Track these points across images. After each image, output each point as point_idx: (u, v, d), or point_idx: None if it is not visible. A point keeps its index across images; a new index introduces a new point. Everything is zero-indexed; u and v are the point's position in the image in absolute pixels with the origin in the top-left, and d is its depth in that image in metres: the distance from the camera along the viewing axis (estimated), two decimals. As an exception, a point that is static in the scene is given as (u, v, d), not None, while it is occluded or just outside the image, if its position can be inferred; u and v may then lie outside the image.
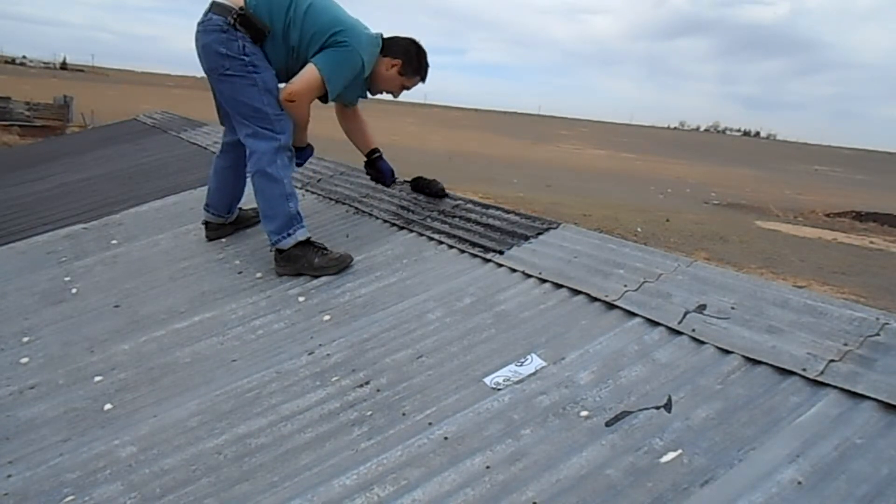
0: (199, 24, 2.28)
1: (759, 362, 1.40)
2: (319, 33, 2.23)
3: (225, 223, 2.83)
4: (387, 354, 1.72)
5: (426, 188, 2.83)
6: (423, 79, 2.56)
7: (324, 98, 2.39)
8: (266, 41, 2.25)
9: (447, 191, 2.83)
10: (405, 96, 2.67)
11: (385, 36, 2.47)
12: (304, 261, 2.32)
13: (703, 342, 1.51)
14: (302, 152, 2.60)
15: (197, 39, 2.29)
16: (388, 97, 2.66)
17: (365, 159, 2.86)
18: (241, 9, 2.20)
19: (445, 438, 1.33)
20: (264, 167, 2.30)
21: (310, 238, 2.37)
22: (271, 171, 2.30)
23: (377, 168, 2.83)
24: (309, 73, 2.25)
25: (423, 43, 2.51)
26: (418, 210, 2.71)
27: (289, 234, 2.32)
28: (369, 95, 2.61)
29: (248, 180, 2.79)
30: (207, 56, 2.27)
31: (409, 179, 2.92)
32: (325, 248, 2.36)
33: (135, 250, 2.91)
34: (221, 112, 2.61)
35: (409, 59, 2.46)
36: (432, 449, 1.31)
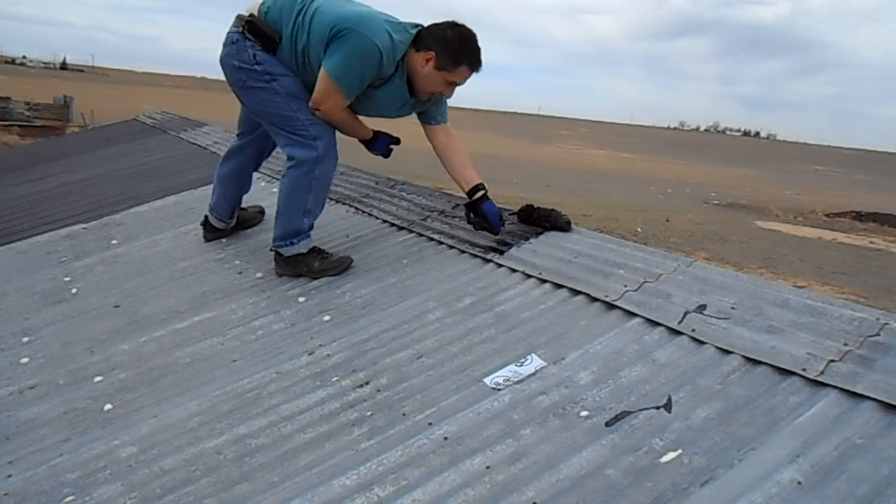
0: None
1: (759, 362, 1.40)
2: (323, 32, 2.07)
3: (226, 228, 2.82)
4: (387, 354, 1.72)
5: (545, 221, 2.26)
6: (472, 67, 2.14)
7: (353, 104, 2.18)
8: (278, 48, 2.16)
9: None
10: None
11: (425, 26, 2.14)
12: (303, 265, 2.32)
13: (703, 342, 1.51)
14: (374, 143, 2.38)
15: None
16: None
17: (466, 199, 2.30)
18: (250, 16, 2.16)
19: (445, 438, 1.33)
20: (298, 176, 2.21)
21: (312, 247, 2.35)
22: (303, 181, 2.21)
23: (480, 213, 2.23)
24: (321, 79, 2.10)
25: (466, 25, 2.12)
26: (418, 210, 2.71)
27: (292, 244, 2.30)
28: (420, 101, 2.24)
29: (251, 182, 2.80)
30: (225, 71, 2.24)
31: (515, 211, 2.37)
32: (325, 252, 2.35)
33: (135, 250, 2.91)
34: (243, 124, 2.56)
35: (444, 47, 2.07)
36: (432, 449, 1.31)
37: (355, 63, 2.04)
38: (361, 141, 2.38)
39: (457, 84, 2.18)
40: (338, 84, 2.08)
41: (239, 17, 2.21)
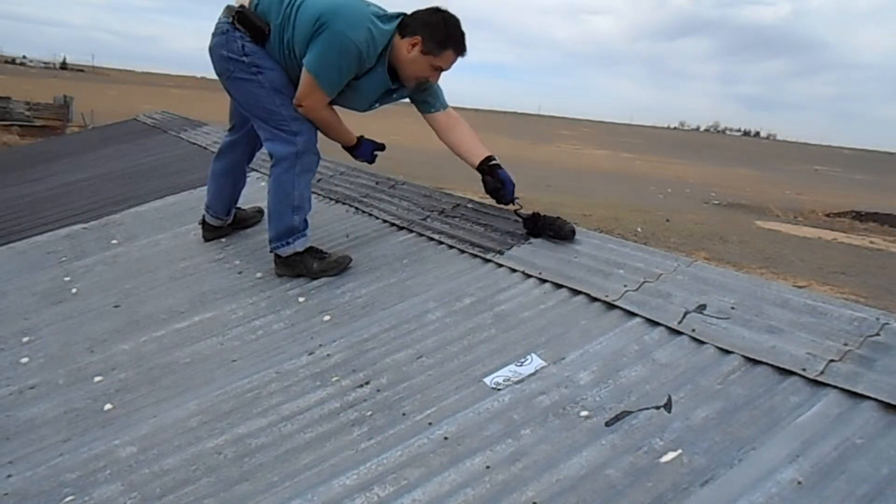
0: None
1: (759, 362, 1.40)
2: (306, 27, 2.08)
3: (223, 225, 2.82)
4: (387, 354, 1.72)
5: (548, 229, 2.19)
6: (458, 51, 2.14)
7: (337, 97, 2.19)
8: (268, 40, 2.18)
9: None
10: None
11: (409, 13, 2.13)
12: (302, 266, 2.32)
13: (703, 342, 1.51)
14: (359, 148, 2.39)
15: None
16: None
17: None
18: (240, 7, 2.17)
19: (445, 438, 1.33)
20: (280, 173, 2.25)
21: (309, 247, 2.35)
22: (286, 178, 2.24)
23: (496, 176, 2.24)
24: (303, 77, 2.13)
25: (450, 9, 2.11)
26: (418, 210, 2.71)
27: (287, 243, 2.30)
28: (406, 88, 2.26)
29: (247, 181, 2.80)
30: (214, 60, 2.25)
31: (524, 215, 2.28)
32: (324, 253, 2.35)
33: (135, 250, 2.91)
34: (234, 117, 2.57)
35: (430, 32, 2.07)
36: (432, 449, 1.31)
37: (332, 60, 2.06)
38: (346, 147, 2.40)
39: (442, 69, 2.18)
40: (317, 80, 2.10)
41: (229, 8, 2.21)
